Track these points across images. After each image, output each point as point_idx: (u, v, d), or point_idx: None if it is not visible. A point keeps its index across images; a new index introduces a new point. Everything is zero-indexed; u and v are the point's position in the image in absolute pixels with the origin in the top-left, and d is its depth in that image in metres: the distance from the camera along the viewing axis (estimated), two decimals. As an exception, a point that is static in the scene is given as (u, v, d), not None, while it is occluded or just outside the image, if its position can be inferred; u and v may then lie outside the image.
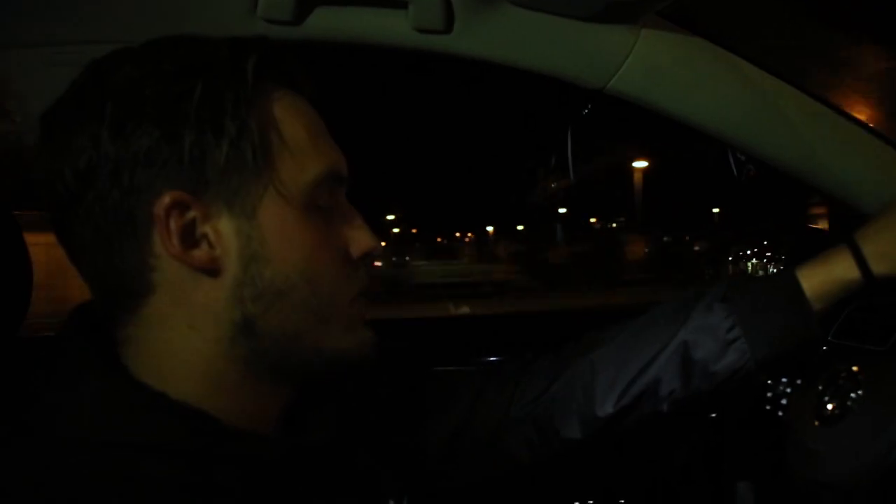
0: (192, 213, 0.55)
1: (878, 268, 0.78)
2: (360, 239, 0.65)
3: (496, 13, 0.88)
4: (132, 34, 0.62)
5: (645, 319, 0.87)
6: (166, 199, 0.54)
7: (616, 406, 0.83)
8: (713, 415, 1.27)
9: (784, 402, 1.00)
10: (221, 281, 0.57)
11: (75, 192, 0.55)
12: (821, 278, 0.79)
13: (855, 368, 0.87)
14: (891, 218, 0.82)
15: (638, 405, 0.83)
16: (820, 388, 0.92)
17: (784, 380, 1.02)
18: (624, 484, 1.38)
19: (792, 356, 0.81)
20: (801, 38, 0.93)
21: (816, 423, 0.89)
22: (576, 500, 1.31)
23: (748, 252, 1.26)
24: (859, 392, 0.84)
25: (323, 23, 0.89)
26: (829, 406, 0.89)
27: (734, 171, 1.23)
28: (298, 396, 0.66)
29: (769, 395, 1.02)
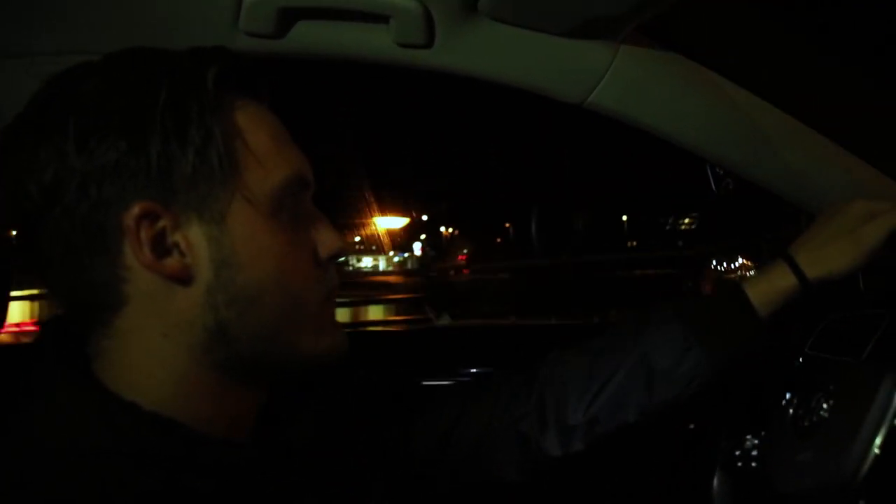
0: (162, 223, 0.56)
1: (811, 273, 0.84)
2: (327, 240, 0.66)
3: (476, 29, 0.89)
4: (111, 46, 0.61)
5: (608, 334, 0.90)
6: (136, 210, 0.55)
7: (585, 415, 0.85)
8: (691, 426, 1.28)
9: (755, 453, 1.02)
10: (194, 288, 0.57)
11: (41, 207, 0.55)
12: (763, 288, 0.85)
13: (829, 381, 0.89)
14: (818, 229, 0.88)
15: (606, 414, 0.85)
16: (795, 401, 0.93)
17: (748, 436, 1.04)
18: (603, 489, 1.38)
19: (744, 362, 0.85)
20: (778, 55, 0.95)
21: (793, 435, 0.91)
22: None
23: (725, 265, 1.27)
24: (831, 402, 0.85)
25: (304, 37, 0.90)
26: (805, 418, 0.90)
27: (712, 185, 1.24)
28: (275, 399, 0.66)
29: (737, 452, 1.04)
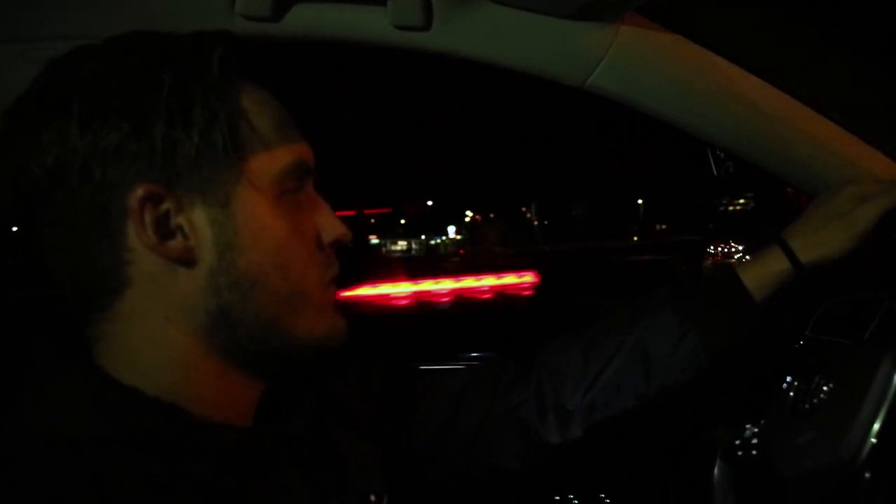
0: (165, 205, 0.56)
1: (804, 257, 0.85)
2: (330, 227, 0.66)
3: (475, 10, 0.88)
4: (106, 30, 0.61)
5: (605, 321, 0.91)
6: (140, 192, 0.54)
7: (583, 400, 0.86)
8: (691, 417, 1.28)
9: (755, 441, 1.02)
10: (197, 271, 0.57)
11: (44, 190, 0.55)
12: (757, 272, 0.86)
13: (829, 363, 0.89)
14: (811, 213, 0.90)
15: (604, 400, 0.86)
16: (796, 383, 0.93)
17: (748, 425, 1.04)
18: (604, 478, 1.39)
19: (740, 346, 0.86)
20: (780, 36, 0.94)
21: (794, 417, 0.91)
22: (556, 496, 1.32)
23: (723, 249, 1.27)
24: (831, 385, 0.85)
25: (301, 19, 0.89)
26: (805, 400, 0.90)
27: (713, 167, 1.24)
28: (275, 387, 0.66)
29: (737, 441, 1.05)
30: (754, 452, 1.02)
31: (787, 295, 0.86)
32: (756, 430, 1.03)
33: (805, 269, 0.85)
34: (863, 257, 0.89)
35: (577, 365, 0.88)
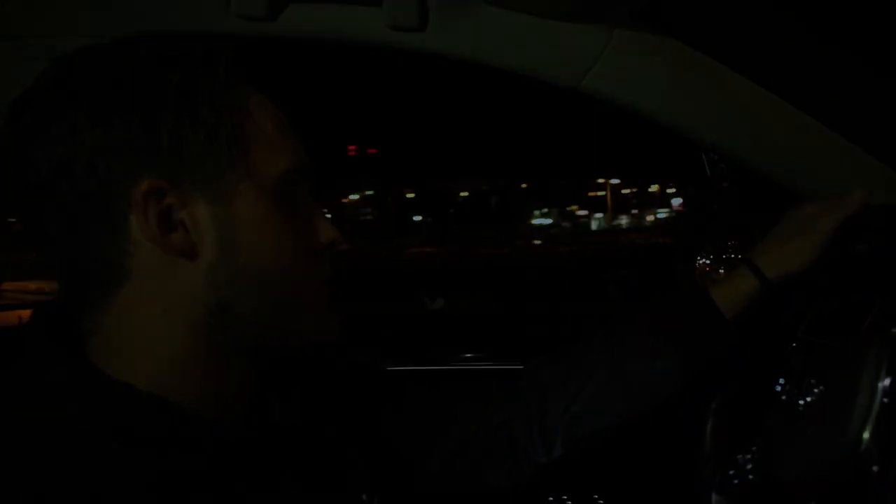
0: (168, 200, 0.56)
1: (770, 273, 0.88)
2: (324, 230, 0.67)
3: (470, 12, 0.89)
4: (102, 28, 0.62)
5: (585, 339, 0.93)
6: (144, 186, 0.55)
7: (563, 417, 0.87)
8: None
9: (749, 466, 1.03)
10: (197, 265, 0.58)
11: (49, 181, 0.55)
12: (727, 291, 0.89)
13: (820, 364, 0.90)
14: (776, 231, 0.92)
15: (584, 417, 0.88)
16: (788, 386, 0.94)
17: (739, 454, 1.05)
18: (600, 481, 1.39)
19: (716, 362, 0.89)
20: (774, 40, 0.95)
21: (787, 420, 0.91)
22: (550, 496, 1.32)
23: (714, 255, 1.27)
24: (821, 387, 0.86)
25: (296, 19, 0.89)
26: (798, 402, 0.91)
27: (707, 171, 1.24)
28: (265, 385, 0.67)
29: (731, 472, 1.05)
30: (751, 477, 1.02)
31: (755, 312, 0.89)
32: (749, 456, 1.03)
33: (773, 284, 0.88)
34: (852, 263, 0.90)
35: (559, 381, 0.89)
